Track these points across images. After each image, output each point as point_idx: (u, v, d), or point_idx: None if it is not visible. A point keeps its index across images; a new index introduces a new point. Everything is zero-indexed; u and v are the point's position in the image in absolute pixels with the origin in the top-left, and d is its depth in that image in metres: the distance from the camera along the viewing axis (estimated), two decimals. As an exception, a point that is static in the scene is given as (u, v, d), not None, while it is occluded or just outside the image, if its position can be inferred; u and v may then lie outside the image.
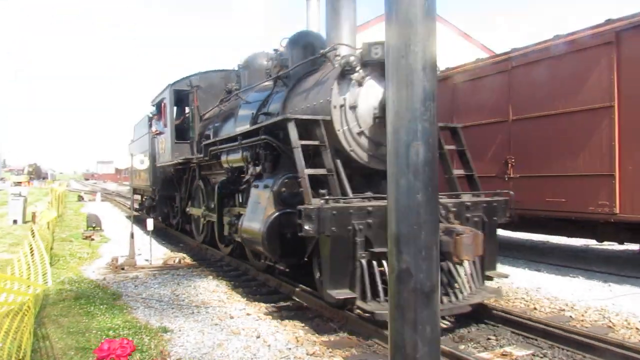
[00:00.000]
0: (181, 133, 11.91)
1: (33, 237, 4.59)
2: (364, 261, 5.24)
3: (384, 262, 5.26)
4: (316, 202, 5.30)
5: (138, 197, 17.58)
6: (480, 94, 9.89)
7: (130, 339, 4.93)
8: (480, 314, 5.69)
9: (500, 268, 8.54)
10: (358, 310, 5.51)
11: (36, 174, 68.08)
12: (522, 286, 7.31)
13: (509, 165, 9.09)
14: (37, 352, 4.44)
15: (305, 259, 6.09)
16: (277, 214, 6.11)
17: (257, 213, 6.47)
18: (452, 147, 7.13)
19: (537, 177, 8.62)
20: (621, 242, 8.59)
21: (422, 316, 2.17)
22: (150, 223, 9.75)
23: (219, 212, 8.84)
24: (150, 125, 13.71)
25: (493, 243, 6.26)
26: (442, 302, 5.17)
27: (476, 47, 18.84)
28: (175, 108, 12.24)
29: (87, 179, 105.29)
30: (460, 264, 5.43)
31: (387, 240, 5.52)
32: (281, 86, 7.87)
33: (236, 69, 10.77)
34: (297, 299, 6.65)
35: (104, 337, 5.03)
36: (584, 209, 7.85)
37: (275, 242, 6.13)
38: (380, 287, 5.20)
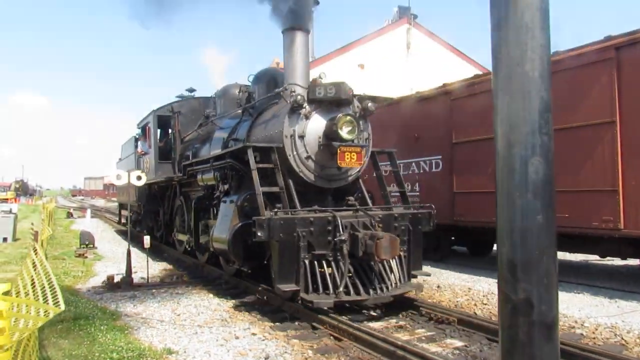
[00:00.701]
0: (164, 153, 12.94)
1: (36, 255, 4.42)
2: (306, 261, 6.41)
3: (324, 263, 6.54)
4: (268, 214, 6.44)
5: (125, 212, 18.90)
6: (478, 109, 9.91)
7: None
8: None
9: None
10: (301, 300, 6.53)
11: (23, 190, 67.04)
12: (528, 303, 7.22)
13: (511, 180, 9.08)
14: (39, 377, 4.25)
15: (265, 262, 7.20)
16: (240, 224, 7.15)
17: (224, 224, 7.52)
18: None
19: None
20: (624, 258, 8.58)
21: (543, 352, 1.94)
22: (147, 240, 9.54)
23: (195, 225, 9.85)
24: (136, 146, 15.09)
25: (418, 247, 7.49)
26: (368, 294, 6.52)
27: (468, 63, 19.04)
28: (159, 130, 13.52)
29: (74, 195, 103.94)
30: (382, 262, 6.66)
31: (326, 244, 5.97)
32: (248, 116, 9.05)
33: (214, 96, 11.95)
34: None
35: (108, 359, 4.85)
36: (588, 225, 7.83)
37: (239, 248, 7.19)
38: (319, 282, 6.41)
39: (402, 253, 7.04)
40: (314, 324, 6.28)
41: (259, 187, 6.75)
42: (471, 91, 10.06)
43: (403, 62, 17.51)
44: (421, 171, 11.36)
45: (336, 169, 7.48)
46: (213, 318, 6.65)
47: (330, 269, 6.56)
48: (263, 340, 5.64)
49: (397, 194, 8.77)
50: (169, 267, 11.30)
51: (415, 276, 7.40)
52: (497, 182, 2.08)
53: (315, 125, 7.33)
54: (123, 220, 20.37)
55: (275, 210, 6.61)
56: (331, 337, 5.85)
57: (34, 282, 3.70)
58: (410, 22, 17.74)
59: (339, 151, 7.09)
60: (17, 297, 2.89)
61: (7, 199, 50.56)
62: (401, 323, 6.49)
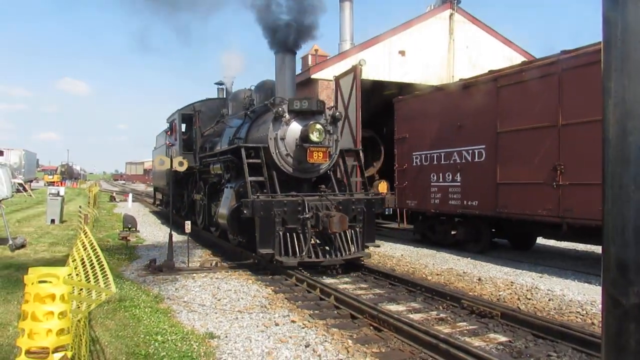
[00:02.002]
0: (188, 145, 15.24)
1: (86, 237, 4.53)
2: (280, 233, 8.59)
3: (294, 235, 8.65)
4: (253, 197, 8.58)
5: (159, 195, 22.78)
6: (526, 97, 9.56)
7: (179, 344, 4.87)
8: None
9: (547, 279, 8.25)
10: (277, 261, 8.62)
11: (68, 173, 69.55)
12: (574, 299, 6.97)
13: (558, 172, 8.74)
14: (89, 356, 4.38)
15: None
16: (236, 205, 9.34)
17: (226, 204, 9.92)
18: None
19: (589, 185, 8.24)
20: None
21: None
22: (188, 226, 9.72)
23: (208, 205, 12.37)
24: (166, 138, 17.81)
25: (371, 224, 9.64)
26: (325, 257, 8.76)
27: (513, 50, 18.39)
28: (183, 125, 15.93)
29: (116, 180, 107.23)
30: (337, 234, 8.77)
31: (296, 220, 8.19)
32: (248, 119, 11.18)
33: (227, 98, 14.55)
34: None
35: (153, 341, 4.96)
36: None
37: (235, 222, 9.49)
38: (289, 248, 8.52)
39: (358, 228, 9.15)
40: (353, 312, 6.31)
41: (248, 177, 8.97)
42: (519, 78, 9.69)
43: (445, 48, 17.07)
44: (463, 161, 11.09)
45: (309, 164, 9.30)
46: (253, 304, 6.71)
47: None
48: (303, 328, 5.64)
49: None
50: (208, 251, 11.49)
51: (367, 247, 9.46)
52: (605, 174, 1.85)
53: (293, 130, 9.34)
54: (157, 202, 23.99)
55: (258, 194, 8.76)
56: (371, 327, 5.81)
57: (84, 264, 3.79)
58: (454, 8, 17.24)
59: (308, 150, 9.06)
60: (72, 279, 2.94)
61: (53, 182, 52.66)
62: (442, 315, 6.38)
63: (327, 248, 8.96)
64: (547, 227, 9.67)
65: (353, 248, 8.99)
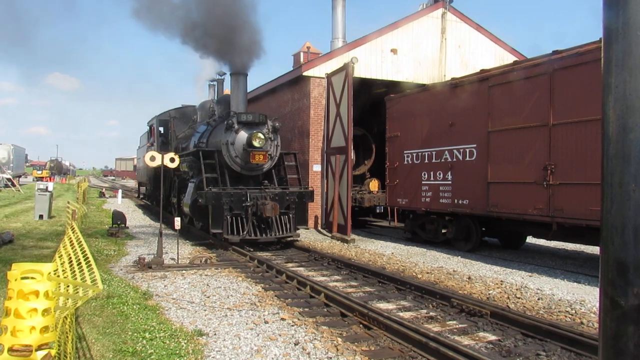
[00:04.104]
0: (165, 146, 17.59)
1: (73, 233, 4.46)
2: (228, 217, 10.94)
3: (239, 219, 11.06)
4: (207, 190, 10.91)
5: (143, 189, 25.81)
6: (517, 97, 9.60)
7: (167, 341, 4.82)
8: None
9: (537, 278, 8.29)
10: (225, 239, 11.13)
11: (57, 169, 68.80)
12: (564, 298, 7.01)
13: (549, 171, 8.78)
14: (74, 353, 4.32)
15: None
16: (195, 196, 11.47)
17: (188, 195, 12.33)
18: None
19: (580, 185, 8.28)
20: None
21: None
22: (177, 222, 9.66)
23: (177, 197, 14.56)
24: (147, 138, 20.53)
25: (302, 212, 12.12)
26: (261, 235, 11.22)
27: (505, 50, 18.45)
28: (161, 128, 18.63)
29: (105, 176, 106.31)
30: (268, 218, 11.18)
31: (240, 207, 11.33)
32: (210, 126, 13.65)
33: (196, 106, 17.08)
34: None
35: (140, 339, 4.91)
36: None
37: (195, 210, 11.77)
38: (235, 229, 10.97)
39: (291, 214, 11.59)
40: (343, 310, 6.30)
41: (204, 174, 11.31)
42: (510, 78, 9.72)
43: (437, 47, 17.07)
44: (454, 159, 11.11)
45: (253, 164, 11.64)
46: (242, 301, 6.67)
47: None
48: (292, 325, 5.62)
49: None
50: (198, 248, 11.42)
51: (297, 229, 11.97)
52: (604, 172, 1.83)
53: (241, 137, 11.66)
54: (141, 196, 27.09)
55: (211, 187, 11.10)
56: (361, 325, 5.80)
57: (71, 260, 3.72)
58: (446, 7, 17.23)
59: (251, 153, 11.50)
60: (57, 276, 2.89)
61: (42, 177, 52.10)
62: (432, 314, 6.38)
63: (264, 228, 11.35)
64: (537, 227, 9.71)
65: (285, 229, 11.46)
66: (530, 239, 12.23)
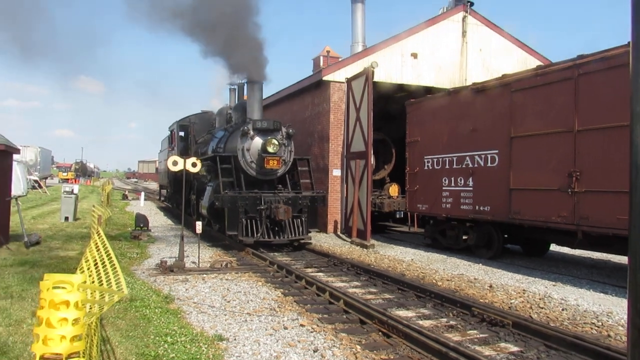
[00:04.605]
0: (185, 150, 18.03)
1: (99, 238, 4.56)
2: (243, 220, 11.37)
3: (253, 221, 11.47)
4: (224, 194, 11.38)
5: (164, 192, 26.38)
6: (541, 102, 9.45)
7: (188, 346, 4.87)
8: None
9: (561, 288, 8.14)
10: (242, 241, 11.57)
11: (82, 171, 70.27)
12: (590, 309, 6.86)
13: (574, 178, 8.62)
14: (99, 355, 4.40)
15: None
16: (213, 199, 12.09)
17: (206, 198, 12.93)
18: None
19: (607, 193, 8.11)
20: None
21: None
22: (199, 226, 9.77)
23: (197, 200, 14.86)
24: (168, 143, 21.53)
25: (313, 215, 12.41)
26: (274, 238, 11.65)
27: (528, 54, 18.20)
28: (181, 133, 19.16)
29: (128, 178, 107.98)
30: (281, 221, 11.53)
31: (255, 211, 11.63)
32: (227, 132, 14.28)
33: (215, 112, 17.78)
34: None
35: (162, 342, 4.98)
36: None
37: (212, 212, 12.52)
38: (249, 231, 11.40)
39: (303, 218, 11.98)
40: (362, 317, 6.29)
41: (221, 178, 11.82)
42: (534, 83, 9.58)
43: (458, 51, 16.92)
44: (475, 165, 10.99)
45: (267, 169, 12.05)
46: (262, 306, 6.70)
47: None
48: (311, 332, 5.63)
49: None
50: (218, 252, 11.53)
51: (309, 231, 12.33)
52: (632, 181, 1.71)
53: (256, 143, 12.16)
54: (162, 198, 28.22)
55: (227, 191, 11.54)
56: (380, 333, 5.77)
57: (97, 264, 3.81)
58: (467, 10, 17.08)
59: (266, 159, 11.90)
60: (84, 282, 2.95)
61: (68, 179, 53.22)
62: (452, 323, 6.32)
63: (277, 230, 11.74)
64: (561, 234, 9.54)
65: (297, 232, 11.89)
66: (554, 247, 12.01)
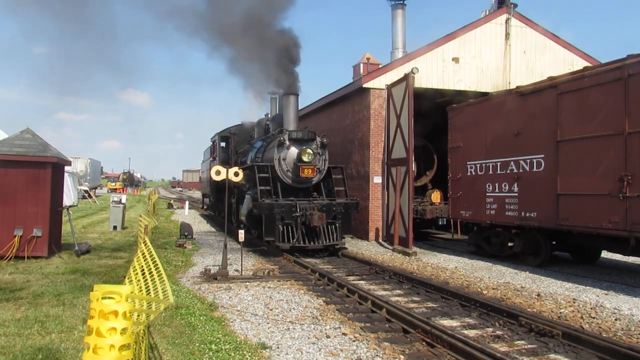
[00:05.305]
0: (226, 160, 18.90)
1: (146, 247, 4.72)
2: (280, 226, 11.79)
3: (289, 227, 11.86)
4: (261, 201, 11.87)
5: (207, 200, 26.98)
6: (589, 104, 9.12)
7: (232, 354, 4.95)
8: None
9: (614, 296, 7.79)
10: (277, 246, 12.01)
11: (129, 181, 72.81)
12: (645, 320, 6.53)
13: (625, 182, 8.25)
14: (147, 362, 4.54)
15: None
16: (251, 206, 12.44)
17: (245, 206, 13.54)
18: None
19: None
20: None
21: None
22: (241, 235, 9.93)
23: (237, 207, 15.45)
24: (210, 153, 22.30)
25: (347, 221, 12.61)
26: (309, 243, 12.01)
27: (575, 55, 17.58)
28: (223, 144, 20.03)
29: (173, 187, 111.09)
30: (316, 228, 11.94)
31: (291, 217, 12.12)
32: (265, 142, 14.90)
33: (254, 123, 18.36)
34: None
35: (207, 350, 5.08)
36: None
37: (250, 219, 13.01)
38: (285, 237, 11.82)
39: (337, 224, 12.33)
40: (405, 326, 6.23)
41: (259, 187, 12.42)
42: (581, 85, 9.26)
43: (501, 54, 16.56)
44: (520, 170, 10.70)
45: (303, 177, 12.62)
46: (304, 315, 6.73)
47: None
48: (354, 341, 5.61)
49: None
50: (261, 260, 11.67)
51: (344, 237, 12.70)
52: None
53: (292, 153, 12.75)
54: (205, 207, 28.43)
55: (264, 199, 12.05)
56: (423, 343, 5.69)
57: (144, 273, 3.94)
58: (510, 12, 16.71)
59: (301, 168, 12.46)
60: (131, 292, 3.06)
61: (116, 189, 55.25)
62: (498, 332, 6.15)
63: (312, 236, 12.19)
64: (612, 241, 9.14)
65: (332, 237, 12.26)
66: (605, 254, 11.50)
